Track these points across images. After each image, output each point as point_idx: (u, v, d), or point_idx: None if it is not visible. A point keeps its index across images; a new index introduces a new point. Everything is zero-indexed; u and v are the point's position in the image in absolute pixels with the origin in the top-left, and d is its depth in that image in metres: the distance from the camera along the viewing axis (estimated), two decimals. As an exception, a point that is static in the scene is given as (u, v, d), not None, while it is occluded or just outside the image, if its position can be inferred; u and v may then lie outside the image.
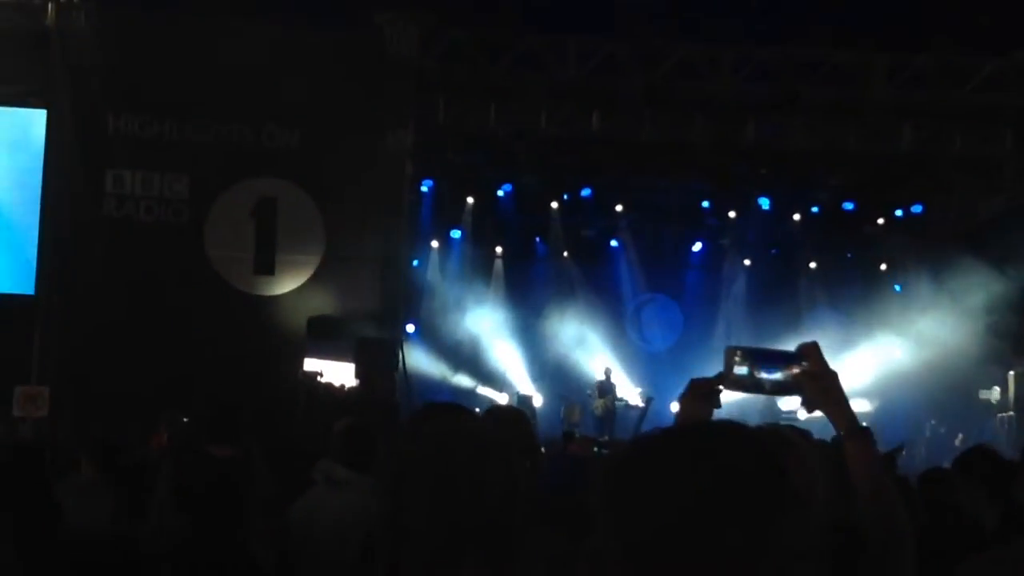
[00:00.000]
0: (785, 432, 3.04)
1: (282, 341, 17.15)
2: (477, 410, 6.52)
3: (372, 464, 5.49)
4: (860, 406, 22.06)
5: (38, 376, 16.32)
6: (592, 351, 23.17)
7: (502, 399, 21.53)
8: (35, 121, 17.30)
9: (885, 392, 22.01)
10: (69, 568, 4.13)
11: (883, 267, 23.25)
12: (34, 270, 17.23)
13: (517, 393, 22.28)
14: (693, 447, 1.67)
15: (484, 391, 22.08)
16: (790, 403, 20.58)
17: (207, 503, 4.20)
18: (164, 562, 3.80)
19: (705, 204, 23.10)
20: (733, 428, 1.72)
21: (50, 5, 17.10)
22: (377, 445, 5.65)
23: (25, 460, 5.09)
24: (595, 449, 7.39)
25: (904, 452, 18.56)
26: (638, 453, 1.69)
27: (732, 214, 23.19)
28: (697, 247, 24.27)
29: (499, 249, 23.72)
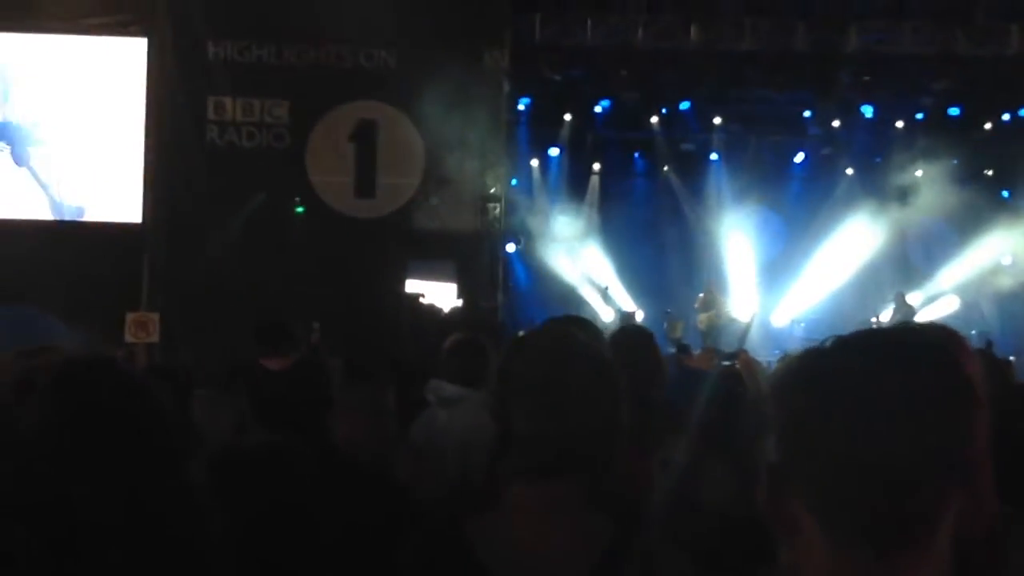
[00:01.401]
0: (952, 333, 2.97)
1: (384, 263, 17.25)
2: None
3: (483, 380, 5.50)
4: (950, 304, 21.81)
5: (147, 303, 16.63)
6: (693, 265, 23.04)
7: (606, 315, 21.53)
8: (136, 50, 17.49)
9: (994, 300, 21.68)
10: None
11: (988, 173, 22.75)
12: (140, 198, 17.49)
13: (620, 309, 22.24)
14: (892, 356, 1.63)
15: (587, 309, 22.05)
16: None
17: (274, 415, 4.26)
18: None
19: (807, 114, 22.71)
20: (918, 334, 1.69)
21: (145, -65, 17.20)
22: (487, 361, 5.65)
23: (164, 382, 5.22)
24: (718, 362, 7.30)
25: (1015, 360, 18.35)
26: (837, 363, 1.65)
27: (836, 123, 22.78)
28: (799, 158, 23.92)
29: (597, 166, 23.57)
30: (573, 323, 4.92)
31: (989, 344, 17.49)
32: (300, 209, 17.49)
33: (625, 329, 6.05)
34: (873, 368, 1.59)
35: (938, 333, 2.87)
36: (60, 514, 1.79)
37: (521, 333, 4.04)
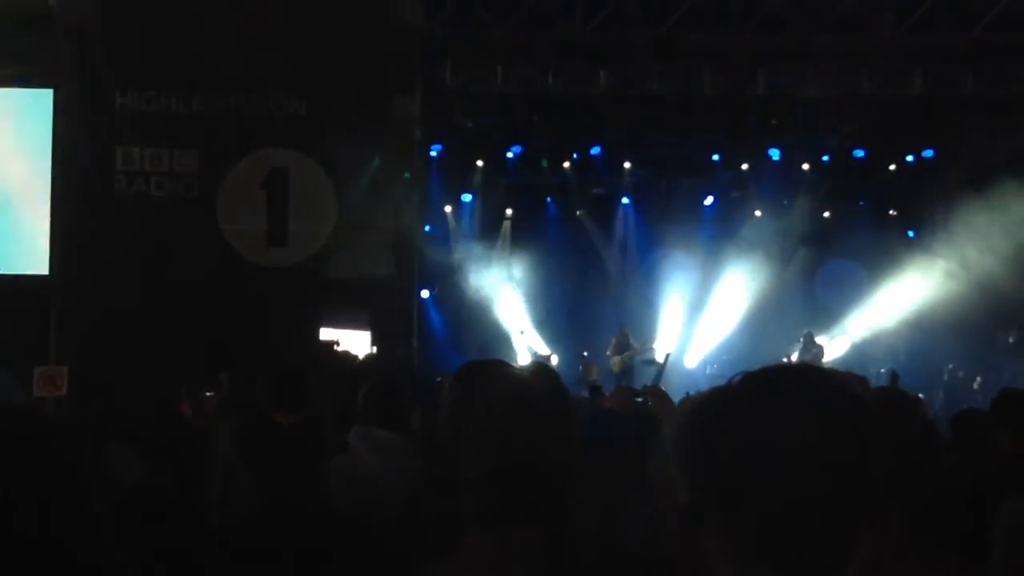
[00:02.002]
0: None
1: (298, 311, 17.13)
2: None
3: (404, 424, 5.47)
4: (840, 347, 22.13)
5: (56, 356, 16.35)
6: (607, 308, 23.15)
7: (521, 359, 21.56)
8: (42, 101, 17.27)
9: (901, 337, 22.02)
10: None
11: (892, 213, 23.16)
12: (47, 251, 17.23)
13: (535, 353, 22.29)
14: (794, 396, 1.64)
15: (502, 354, 22.07)
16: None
17: (285, 467, 4.19)
18: (238, 528, 3.80)
19: (716, 157, 22.99)
20: (823, 372, 1.71)
21: (52, -16, 17.03)
22: (407, 405, 5.63)
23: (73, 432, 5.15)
24: (636, 399, 7.31)
25: (923, 398, 18.62)
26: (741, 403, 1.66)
27: (744, 166, 23.09)
28: (709, 200, 24.18)
29: (509, 211, 23.67)
30: (498, 366, 4.91)
31: (895, 379, 17.76)
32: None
33: (535, 365, 6.05)
34: (777, 410, 1.60)
35: (838, 375, 2.91)
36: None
37: (454, 377, 4.01)
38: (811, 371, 1.70)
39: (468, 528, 2.49)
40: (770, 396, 1.62)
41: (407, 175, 18.31)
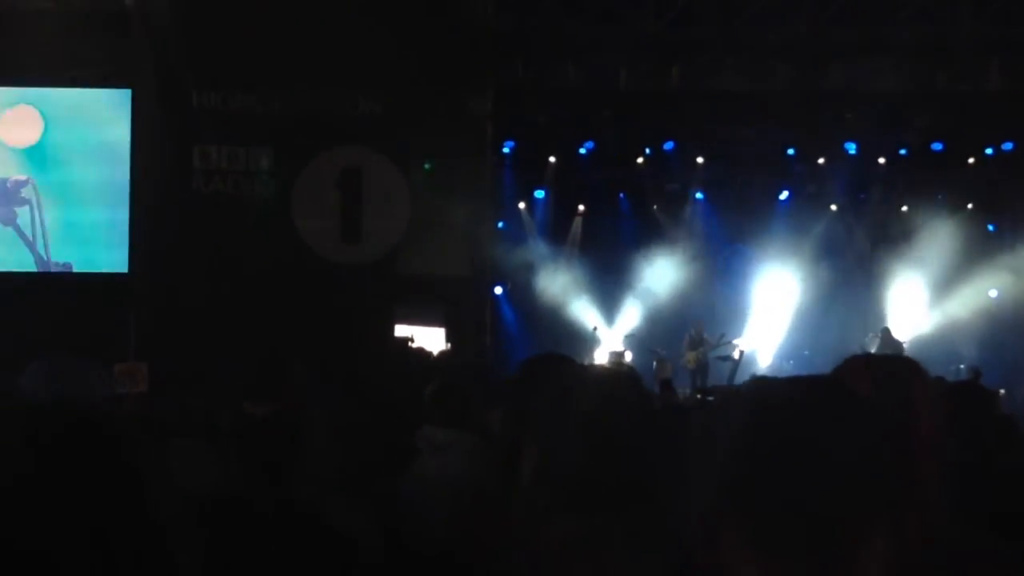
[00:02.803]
0: (912, 363, 2.99)
1: (372, 309, 17.24)
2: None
3: (468, 422, 5.49)
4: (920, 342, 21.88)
5: (136, 353, 16.58)
6: (681, 305, 23.05)
7: (600, 357, 21.56)
8: (121, 101, 17.53)
9: (984, 333, 21.75)
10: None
11: (970, 206, 22.86)
12: (127, 249, 17.49)
13: (609, 350, 22.25)
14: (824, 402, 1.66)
15: (576, 350, 22.05)
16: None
17: (243, 462, 4.23)
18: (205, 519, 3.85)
19: (790, 151, 22.82)
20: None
21: (128, -15, 17.28)
22: (470, 403, 5.64)
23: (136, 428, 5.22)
24: (698, 397, 7.32)
25: (1004, 393, 18.42)
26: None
27: (821, 160, 22.91)
28: (784, 195, 24.01)
29: (581, 207, 23.64)
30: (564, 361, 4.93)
31: (977, 376, 17.54)
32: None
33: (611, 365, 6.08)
34: (805, 413, 1.62)
35: (896, 365, 2.90)
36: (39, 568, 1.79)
37: (519, 371, 4.02)
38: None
39: (551, 516, 2.53)
40: (796, 404, 1.64)
41: (481, 172, 18.34)
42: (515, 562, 2.58)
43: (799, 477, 1.57)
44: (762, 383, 1.72)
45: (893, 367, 2.94)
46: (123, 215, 17.51)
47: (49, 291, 17.13)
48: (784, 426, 1.61)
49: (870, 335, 21.50)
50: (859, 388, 2.65)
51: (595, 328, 22.43)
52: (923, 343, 21.99)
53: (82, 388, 3.52)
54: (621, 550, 2.49)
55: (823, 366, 2.68)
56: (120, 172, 17.53)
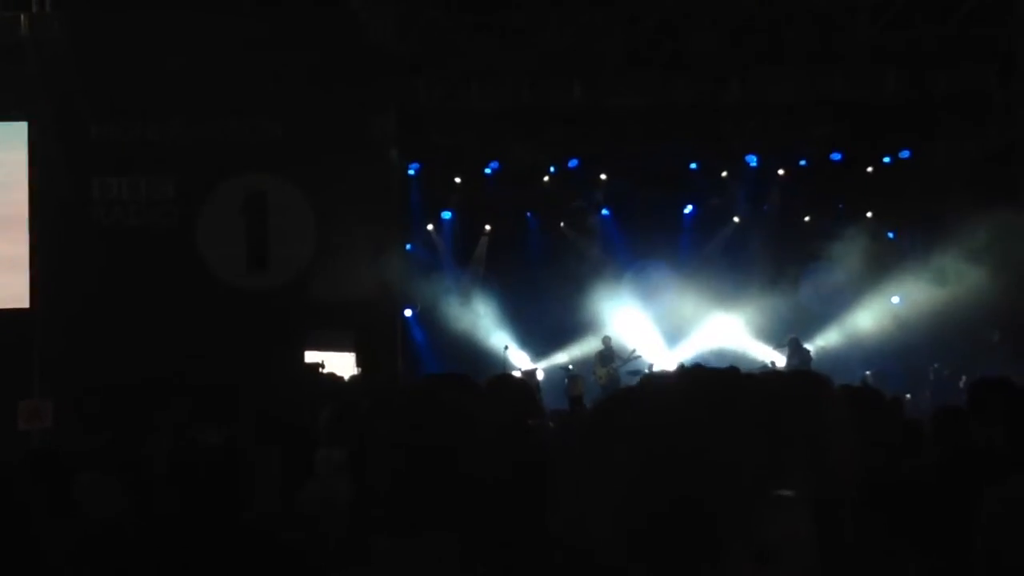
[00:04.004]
0: (816, 375, 3.05)
1: (282, 335, 17.12)
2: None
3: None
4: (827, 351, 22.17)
5: (40, 389, 16.31)
6: (590, 322, 23.13)
7: (515, 375, 21.55)
8: (17, 134, 17.25)
9: (888, 339, 22.05)
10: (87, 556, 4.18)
11: (869, 215, 23.20)
12: (27, 283, 17.20)
13: (519, 369, 22.26)
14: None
15: (488, 370, 22.03)
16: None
17: (196, 488, 4.19)
18: (161, 549, 3.81)
19: (693, 165, 23.03)
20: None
21: (23, 16, 17.02)
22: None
23: (40, 464, 5.22)
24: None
25: (909, 398, 18.70)
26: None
27: (724, 173, 23.16)
28: (688, 209, 24.20)
29: (488, 227, 23.64)
30: (445, 380, 4.94)
31: (865, 382, 17.83)
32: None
33: (501, 376, 6.10)
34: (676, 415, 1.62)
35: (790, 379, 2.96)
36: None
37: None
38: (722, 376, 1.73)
39: (379, 533, 2.51)
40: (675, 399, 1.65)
41: (386, 195, 18.29)
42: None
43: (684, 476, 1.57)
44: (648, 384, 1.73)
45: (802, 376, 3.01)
46: (23, 248, 17.21)
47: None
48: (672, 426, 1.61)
49: (779, 345, 21.75)
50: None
51: (506, 347, 22.43)
52: (829, 351, 22.28)
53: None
54: (445, 568, 2.48)
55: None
56: (19, 205, 17.24)
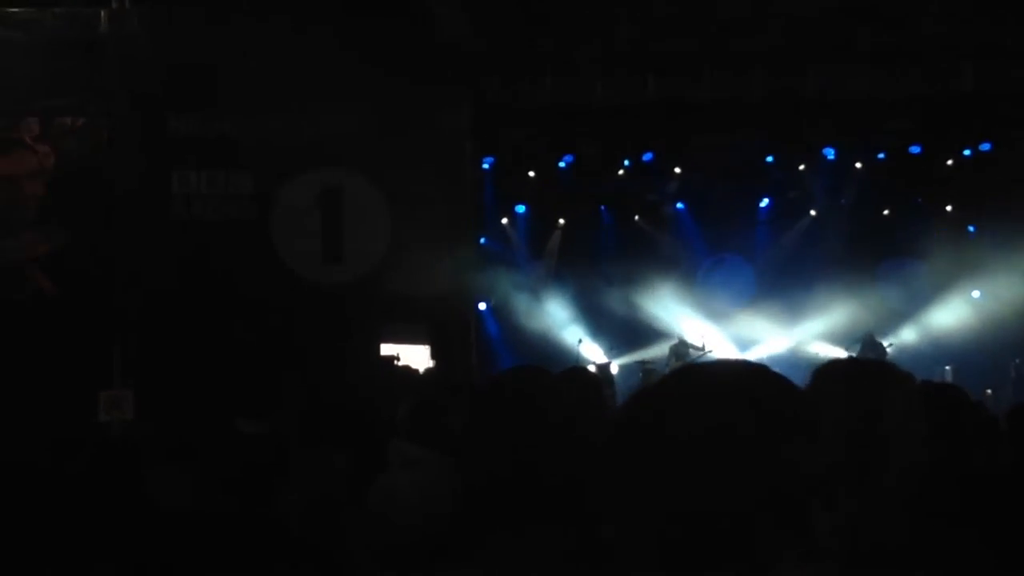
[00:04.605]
0: (891, 369, 3.02)
1: (356, 328, 17.24)
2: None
3: (443, 440, 5.50)
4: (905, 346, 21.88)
5: (120, 380, 16.55)
6: (664, 316, 23.06)
7: (590, 368, 21.55)
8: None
9: (966, 335, 21.77)
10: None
11: (949, 209, 22.91)
12: (110, 277, 17.44)
13: (593, 364, 22.24)
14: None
15: (561, 363, 22.03)
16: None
17: (234, 479, 4.25)
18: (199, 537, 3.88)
19: (769, 159, 22.88)
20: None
21: (103, 12, 17.27)
22: (447, 420, 5.66)
23: (117, 454, 5.32)
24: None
25: (990, 393, 18.45)
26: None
27: (801, 167, 22.99)
28: (764, 203, 24.06)
29: (561, 221, 23.65)
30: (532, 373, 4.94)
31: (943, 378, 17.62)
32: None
33: (572, 370, 6.08)
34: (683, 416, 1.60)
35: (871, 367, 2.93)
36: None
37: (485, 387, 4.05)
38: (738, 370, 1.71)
39: (487, 530, 2.50)
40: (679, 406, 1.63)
41: (461, 189, 18.35)
42: None
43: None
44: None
45: (869, 369, 2.98)
46: (106, 242, 17.46)
47: (36, 318, 17.09)
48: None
49: (853, 341, 21.54)
50: (834, 390, 2.68)
51: (580, 341, 22.42)
52: (907, 347, 22.02)
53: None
54: (550, 564, 2.47)
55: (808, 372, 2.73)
56: (102, 199, 17.51)
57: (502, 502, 2.50)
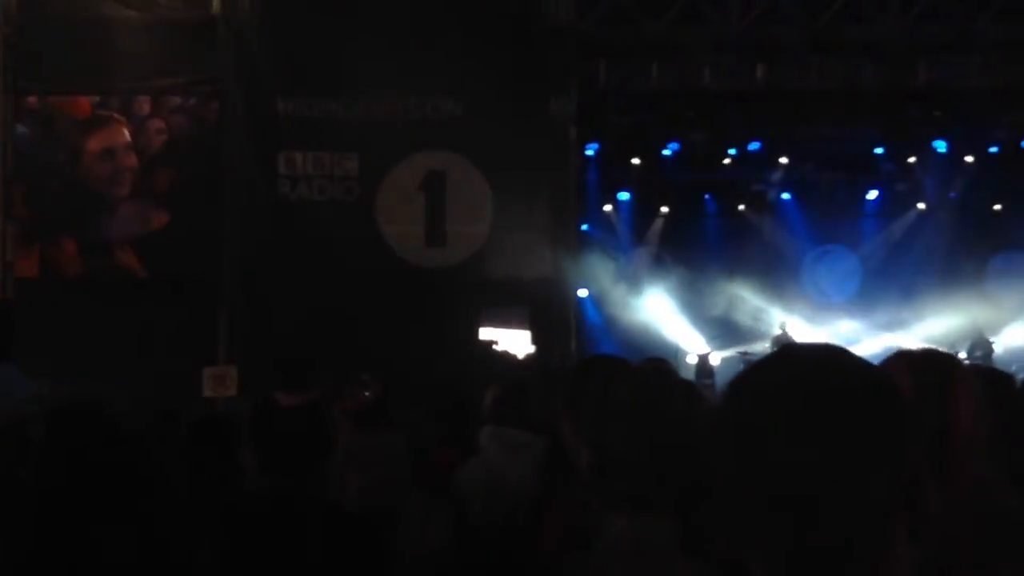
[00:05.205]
0: (953, 361, 2.98)
1: (457, 312, 17.32)
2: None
3: (526, 425, 5.51)
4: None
5: (225, 357, 16.81)
6: (768, 306, 22.88)
7: (690, 359, 21.52)
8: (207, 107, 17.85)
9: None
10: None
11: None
12: (214, 253, 17.69)
13: (696, 353, 22.14)
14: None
15: (661, 352, 21.95)
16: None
17: (276, 451, 4.27)
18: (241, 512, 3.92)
19: (879, 150, 22.57)
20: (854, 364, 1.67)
21: (215, -7, 17.54)
22: (536, 405, 5.68)
23: (211, 429, 5.42)
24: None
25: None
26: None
27: (911, 159, 22.63)
28: (872, 195, 23.75)
29: (664, 209, 23.56)
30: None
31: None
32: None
33: (652, 361, 6.06)
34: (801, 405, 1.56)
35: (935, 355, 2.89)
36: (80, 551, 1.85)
37: (580, 370, 4.05)
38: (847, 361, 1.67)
39: (609, 512, 2.51)
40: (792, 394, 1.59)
41: (564, 174, 18.30)
42: (570, 562, 2.57)
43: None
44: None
45: (933, 357, 2.96)
46: (211, 219, 17.73)
47: (139, 295, 17.40)
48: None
49: (960, 337, 21.14)
50: (901, 379, 2.64)
51: (681, 332, 22.30)
52: (1017, 346, 21.59)
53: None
54: (668, 548, 2.47)
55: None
56: (209, 176, 17.78)
57: (624, 485, 2.51)
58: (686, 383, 2.78)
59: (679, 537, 2.46)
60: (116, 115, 17.75)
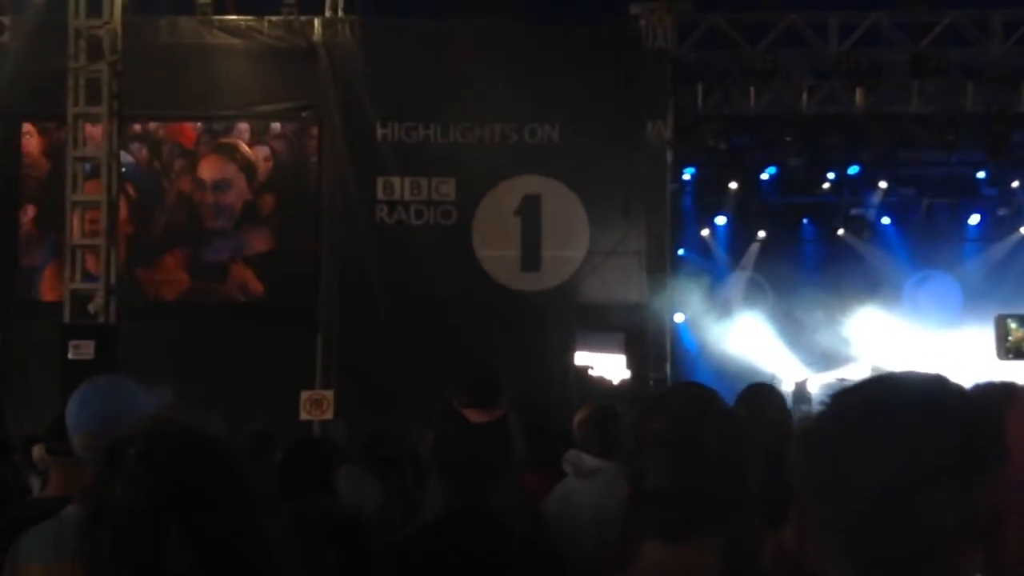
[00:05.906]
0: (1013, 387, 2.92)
1: (552, 337, 17.33)
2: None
3: (611, 451, 5.50)
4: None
5: (322, 381, 16.98)
6: (867, 332, 22.56)
7: (787, 385, 21.28)
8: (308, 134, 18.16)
9: None
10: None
11: None
12: (314, 277, 17.91)
13: (793, 379, 21.91)
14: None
15: (758, 379, 21.74)
16: None
17: (462, 470, 4.27)
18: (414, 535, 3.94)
19: (981, 174, 22.22)
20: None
21: (316, 21, 17.79)
22: (615, 432, 5.66)
23: (307, 452, 5.49)
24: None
25: None
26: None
27: (1015, 184, 22.23)
28: (974, 219, 23.37)
29: (762, 233, 23.37)
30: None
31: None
32: None
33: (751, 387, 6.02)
34: (890, 434, 1.58)
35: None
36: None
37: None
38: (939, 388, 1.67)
39: (648, 540, 2.50)
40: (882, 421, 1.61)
41: (660, 199, 18.26)
42: None
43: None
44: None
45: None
46: (311, 244, 17.98)
47: (240, 318, 17.69)
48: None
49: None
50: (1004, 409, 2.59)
51: (779, 357, 22.08)
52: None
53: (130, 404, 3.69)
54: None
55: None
56: (309, 202, 18.06)
57: (672, 508, 2.51)
58: (724, 412, 2.76)
59: (715, 567, 2.46)
60: (222, 140, 18.08)
